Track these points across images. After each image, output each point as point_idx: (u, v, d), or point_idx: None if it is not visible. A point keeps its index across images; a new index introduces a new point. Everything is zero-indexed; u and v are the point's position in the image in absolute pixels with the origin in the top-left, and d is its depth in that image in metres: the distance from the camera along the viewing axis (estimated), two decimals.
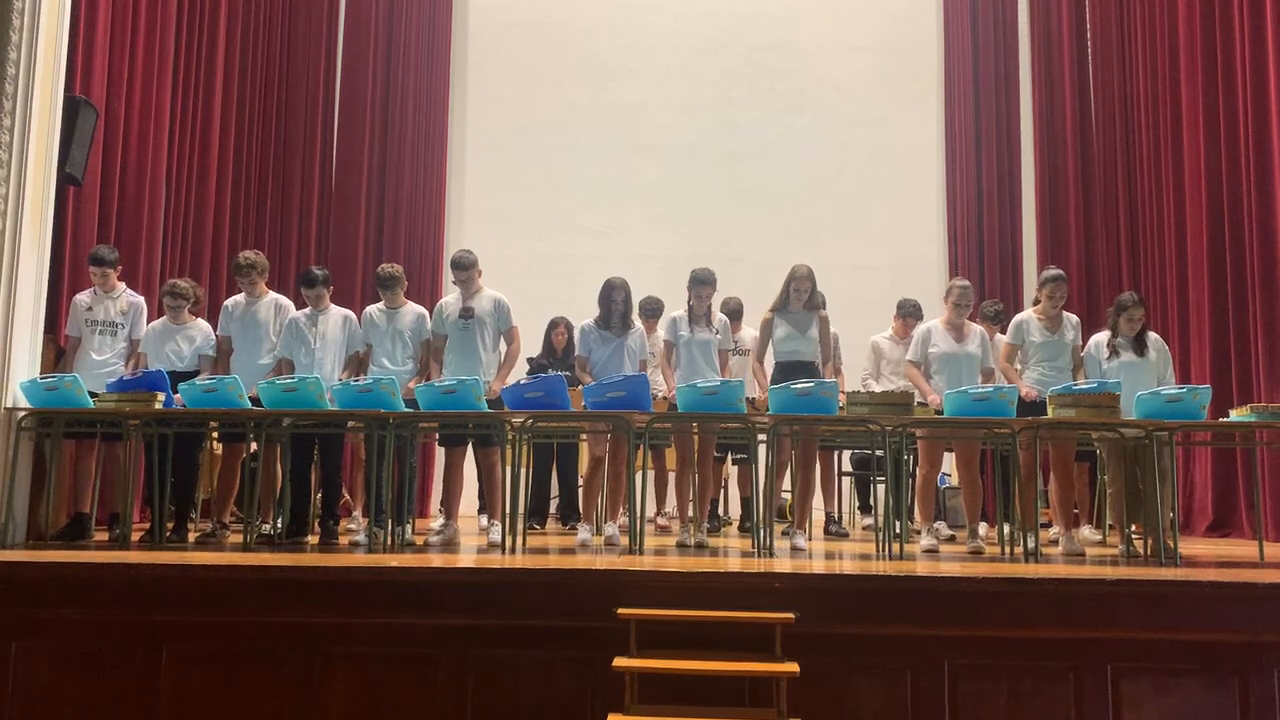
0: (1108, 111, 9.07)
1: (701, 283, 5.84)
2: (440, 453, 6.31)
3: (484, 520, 6.14)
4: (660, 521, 7.03)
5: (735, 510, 7.65)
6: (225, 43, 8.08)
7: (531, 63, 10.35)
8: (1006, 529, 5.47)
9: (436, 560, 4.86)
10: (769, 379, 5.83)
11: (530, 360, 7.19)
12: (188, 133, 7.63)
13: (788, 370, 5.75)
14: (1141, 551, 5.31)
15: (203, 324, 6.04)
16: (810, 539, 5.65)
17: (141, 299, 6.01)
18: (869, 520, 7.14)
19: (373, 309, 6.03)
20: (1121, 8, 8.87)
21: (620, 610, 3.94)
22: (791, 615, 3.93)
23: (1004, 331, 6.29)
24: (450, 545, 5.54)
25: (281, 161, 9.21)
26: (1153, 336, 5.89)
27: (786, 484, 5.69)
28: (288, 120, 9.30)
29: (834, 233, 9.69)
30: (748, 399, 5.65)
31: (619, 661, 3.81)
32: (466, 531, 6.24)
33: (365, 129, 9.73)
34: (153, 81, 6.99)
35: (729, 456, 7.11)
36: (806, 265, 5.89)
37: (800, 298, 5.85)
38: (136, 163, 6.84)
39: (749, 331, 6.80)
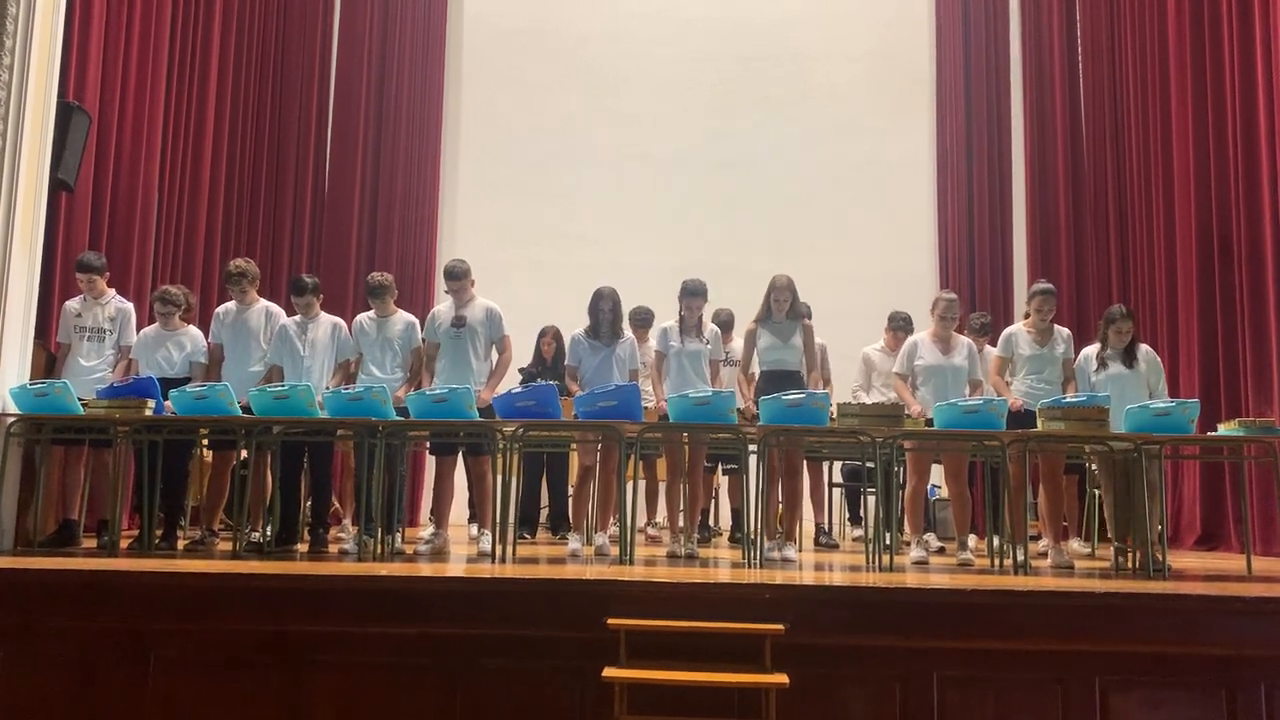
0: (1098, 125, 9.12)
1: (693, 294, 5.86)
2: (431, 461, 6.29)
3: (474, 529, 6.12)
4: (650, 532, 7.03)
5: (726, 521, 7.65)
6: (219, 49, 8.08)
7: (526, 70, 10.37)
8: (996, 541, 5.48)
9: (426, 569, 4.84)
10: (754, 389, 5.85)
11: (521, 370, 7.18)
12: (180, 140, 7.62)
13: (773, 379, 5.76)
14: (1129, 564, 5.33)
15: (194, 331, 6.02)
16: (800, 550, 5.66)
17: (130, 305, 5.99)
18: (859, 532, 7.14)
19: (363, 317, 6.03)
20: (1112, 22, 8.93)
21: (610, 620, 3.94)
22: (781, 626, 3.92)
23: (992, 344, 6.31)
24: (440, 554, 5.52)
25: (274, 168, 9.21)
26: (1143, 348, 5.91)
27: (778, 495, 5.69)
28: (281, 127, 9.30)
29: (825, 243, 9.72)
30: (736, 409, 5.66)
31: (608, 671, 3.80)
32: (456, 540, 6.23)
33: (358, 136, 9.74)
34: (146, 88, 6.99)
35: (719, 467, 7.12)
36: (786, 275, 5.91)
37: (781, 308, 5.87)
38: (129, 169, 6.83)
39: (740, 342, 6.81)
